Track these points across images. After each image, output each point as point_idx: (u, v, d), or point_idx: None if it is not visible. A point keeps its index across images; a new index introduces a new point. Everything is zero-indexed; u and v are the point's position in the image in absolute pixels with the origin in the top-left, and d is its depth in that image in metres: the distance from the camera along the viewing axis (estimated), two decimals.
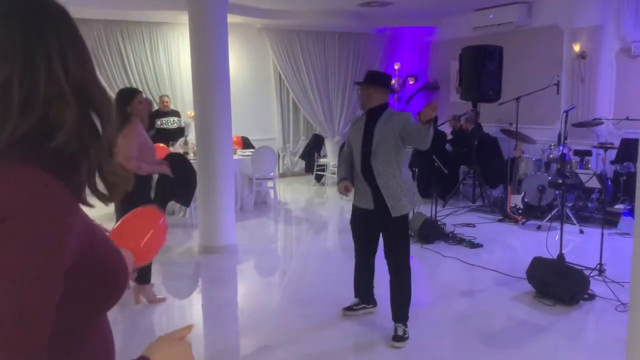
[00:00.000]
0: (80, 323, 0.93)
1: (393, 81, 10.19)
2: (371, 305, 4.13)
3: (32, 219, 0.79)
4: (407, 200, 3.63)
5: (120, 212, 4.49)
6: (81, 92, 0.86)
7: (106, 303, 0.97)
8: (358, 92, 3.88)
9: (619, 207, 6.54)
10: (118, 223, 1.54)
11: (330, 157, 9.94)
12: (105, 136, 0.89)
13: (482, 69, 7.58)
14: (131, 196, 4.07)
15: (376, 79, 3.80)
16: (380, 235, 3.82)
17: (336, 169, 9.19)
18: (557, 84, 7.04)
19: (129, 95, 4.23)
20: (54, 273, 0.82)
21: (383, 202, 3.61)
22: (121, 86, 8.47)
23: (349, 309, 4.11)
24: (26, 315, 0.78)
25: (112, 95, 4.64)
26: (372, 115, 3.73)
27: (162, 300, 4.50)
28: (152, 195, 6.66)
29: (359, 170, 3.74)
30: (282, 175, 10.48)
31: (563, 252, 4.64)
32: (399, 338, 3.66)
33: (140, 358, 0.96)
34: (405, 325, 3.72)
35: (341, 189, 3.88)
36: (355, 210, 3.88)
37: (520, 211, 6.97)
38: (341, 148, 8.51)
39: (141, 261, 1.47)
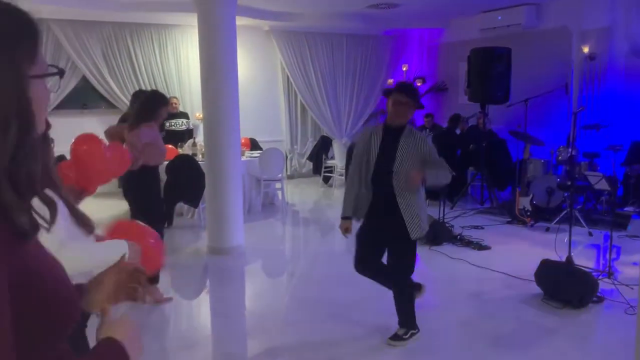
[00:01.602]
0: (25, 355, 0.89)
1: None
2: (416, 330, 3.74)
3: None
4: (425, 221, 3.54)
5: (134, 211, 4.54)
6: None
7: (51, 334, 0.93)
8: (387, 103, 3.53)
9: (628, 209, 6.50)
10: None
11: (337, 159, 9.94)
12: (21, 170, 0.84)
13: (491, 71, 7.57)
14: (141, 195, 4.09)
15: (414, 95, 3.54)
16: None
17: (343, 170, 9.26)
18: (566, 86, 7.02)
19: (162, 100, 4.48)
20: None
21: (400, 222, 3.46)
22: (130, 88, 8.56)
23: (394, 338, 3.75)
24: None
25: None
26: (391, 131, 3.52)
27: (169, 299, 4.53)
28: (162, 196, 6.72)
29: (370, 185, 3.55)
30: (290, 177, 10.50)
31: (572, 254, 4.62)
32: (396, 337, 3.64)
33: (107, 340, 1.00)
34: (410, 328, 3.66)
35: (342, 229, 3.67)
36: (369, 218, 3.66)
37: (528, 213, 6.94)
38: (349, 153, 8.49)
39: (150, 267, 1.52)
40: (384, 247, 3.68)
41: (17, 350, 0.83)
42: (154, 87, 9.06)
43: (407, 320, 3.68)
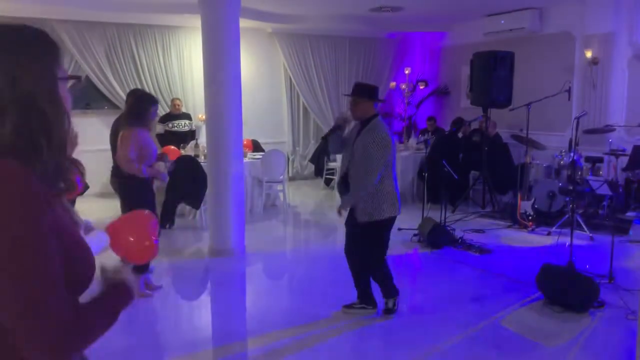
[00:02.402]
0: None
1: (403, 86, 10.21)
2: (370, 307, 4.23)
3: (9, 214, 0.96)
4: (373, 209, 3.83)
5: (124, 211, 4.56)
6: (28, 103, 1.05)
7: (74, 290, 1.09)
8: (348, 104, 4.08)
9: (630, 214, 6.50)
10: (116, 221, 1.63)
11: (339, 162, 9.94)
12: (54, 138, 1.07)
13: (493, 75, 7.58)
14: (133, 199, 4.10)
15: (361, 92, 3.96)
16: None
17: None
18: (569, 90, 7.02)
19: (150, 101, 4.46)
20: (46, 257, 0.98)
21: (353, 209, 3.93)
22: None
23: (348, 306, 4.27)
24: (40, 309, 0.95)
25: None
26: (360, 126, 3.97)
27: (158, 287, 4.67)
28: (163, 197, 6.73)
29: (342, 174, 4.03)
30: (292, 179, 10.50)
31: (573, 259, 4.62)
32: (389, 311, 4.15)
33: (119, 283, 1.19)
34: (394, 298, 4.15)
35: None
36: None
37: (530, 217, 6.94)
38: None
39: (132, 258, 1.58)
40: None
41: None
42: (157, 89, 9.11)
43: (385, 290, 4.15)
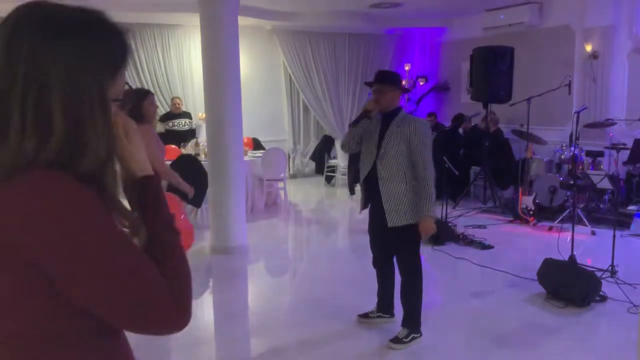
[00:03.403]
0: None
1: (403, 82, 10.20)
2: (388, 315, 3.96)
3: (83, 217, 0.88)
4: (411, 211, 3.44)
5: None
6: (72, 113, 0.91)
7: None
8: (370, 93, 3.66)
9: (631, 208, 6.49)
10: None
11: (340, 159, 9.94)
12: (93, 149, 0.92)
13: (493, 70, 7.56)
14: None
15: (390, 79, 3.63)
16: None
17: (346, 170, 9.26)
18: (569, 85, 7.01)
19: (139, 95, 4.33)
20: (127, 245, 0.93)
21: (383, 210, 3.48)
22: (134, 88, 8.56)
23: (364, 315, 4.00)
24: (147, 295, 0.91)
25: None
26: (385, 118, 3.58)
27: None
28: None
29: (366, 174, 3.63)
30: (293, 177, 10.50)
31: (574, 253, 4.62)
32: (396, 340, 3.59)
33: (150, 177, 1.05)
34: (413, 331, 3.62)
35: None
36: (369, 213, 3.77)
37: (531, 212, 6.93)
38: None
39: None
40: (387, 240, 3.67)
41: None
42: (156, 88, 9.10)
43: (410, 320, 3.64)
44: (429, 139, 3.50)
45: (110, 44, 0.97)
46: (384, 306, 3.95)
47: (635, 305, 4.06)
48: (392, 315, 3.96)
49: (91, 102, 0.91)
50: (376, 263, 3.87)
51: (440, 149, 7.56)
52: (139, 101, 4.26)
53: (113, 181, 0.98)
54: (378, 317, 3.96)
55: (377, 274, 3.92)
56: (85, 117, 0.91)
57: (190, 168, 6.81)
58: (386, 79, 3.61)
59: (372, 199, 3.63)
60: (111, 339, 1.00)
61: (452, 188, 7.52)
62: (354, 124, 3.67)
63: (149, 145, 4.18)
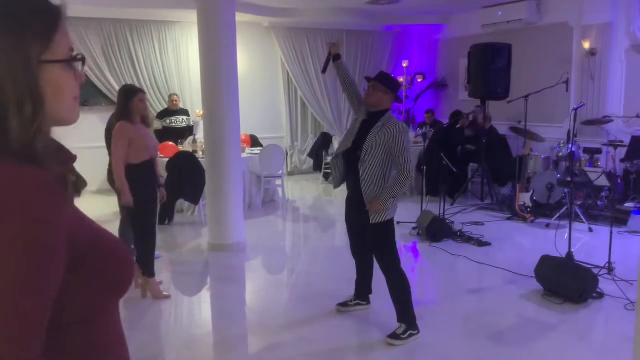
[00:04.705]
0: (92, 310, 0.95)
1: (401, 79, 10.19)
2: (365, 303, 4.15)
3: (24, 217, 0.80)
4: (391, 206, 3.56)
5: (124, 210, 4.56)
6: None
7: (116, 289, 0.99)
8: (366, 88, 3.78)
9: (628, 205, 6.50)
10: None
11: None
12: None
13: (491, 67, 7.57)
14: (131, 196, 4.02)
15: (385, 80, 3.71)
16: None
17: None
18: (567, 82, 7.01)
19: (130, 92, 4.36)
20: (47, 271, 0.82)
21: (364, 207, 3.57)
22: None
23: (343, 304, 4.16)
24: (21, 330, 0.79)
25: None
26: (371, 117, 3.67)
27: (167, 297, 4.53)
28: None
29: (345, 169, 3.77)
30: (290, 174, 10.50)
31: (572, 250, 4.63)
32: (394, 336, 3.62)
33: None
34: (409, 327, 3.64)
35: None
36: (347, 202, 3.94)
37: (529, 209, 6.94)
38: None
39: None
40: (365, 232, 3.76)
41: (78, 309, 0.90)
42: (154, 85, 9.10)
43: (405, 316, 3.66)
44: (409, 143, 3.62)
45: (28, 7, 0.89)
46: (361, 293, 4.15)
47: (632, 302, 4.07)
48: (369, 302, 4.16)
49: (12, 71, 0.84)
50: (358, 254, 4.04)
51: (438, 146, 7.58)
52: (128, 100, 4.28)
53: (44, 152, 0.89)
54: (356, 304, 4.15)
55: (356, 264, 4.11)
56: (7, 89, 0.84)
57: (187, 165, 6.81)
58: (383, 80, 3.72)
59: (353, 193, 3.78)
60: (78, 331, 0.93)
61: (449, 185, 7.53)
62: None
63: (120, 147, 4.22)
